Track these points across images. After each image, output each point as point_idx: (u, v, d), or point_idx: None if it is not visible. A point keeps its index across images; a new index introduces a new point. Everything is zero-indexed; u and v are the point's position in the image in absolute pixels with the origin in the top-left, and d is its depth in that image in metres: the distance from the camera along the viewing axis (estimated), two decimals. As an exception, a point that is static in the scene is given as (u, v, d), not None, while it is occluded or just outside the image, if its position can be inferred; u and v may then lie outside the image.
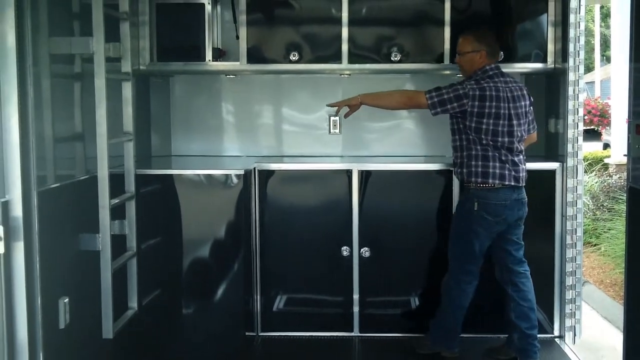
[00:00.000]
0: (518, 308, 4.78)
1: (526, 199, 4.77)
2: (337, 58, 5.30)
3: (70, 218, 3.87)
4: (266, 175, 5.19)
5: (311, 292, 5.31)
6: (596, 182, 10.96)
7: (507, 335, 4.91)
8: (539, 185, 5.17)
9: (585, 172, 11.12)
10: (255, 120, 5.90)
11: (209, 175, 4.97)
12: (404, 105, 5.02)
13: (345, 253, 5.18)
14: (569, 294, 5.18)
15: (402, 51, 5.24)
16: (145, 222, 4.62)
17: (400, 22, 5.36)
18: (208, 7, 5.29)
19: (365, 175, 5.18)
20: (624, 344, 3.90)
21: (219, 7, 5.55)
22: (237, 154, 5.86)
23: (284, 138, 5.85)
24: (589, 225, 9.29)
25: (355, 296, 5.23)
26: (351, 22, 5.27)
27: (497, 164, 4.65)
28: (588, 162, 12.86)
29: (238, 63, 5.34)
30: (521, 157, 4.76)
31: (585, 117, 16.60)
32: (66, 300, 3.70)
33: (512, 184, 4.66)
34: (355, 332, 5.27)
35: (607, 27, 26.13)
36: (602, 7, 24.79)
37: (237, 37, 5.34)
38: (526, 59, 5.34)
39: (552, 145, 5.40)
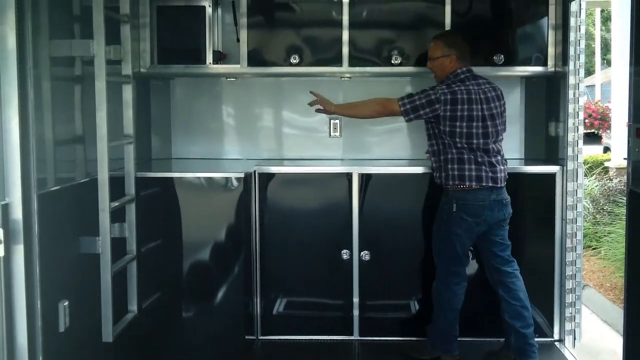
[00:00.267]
0: (510, 308, 4.79)
1: (508, 200, 4.78)
2: (337, 61, 5.31)
3: (70, 221, 3.86)
4: (266, 178, 5.19)
5: (311, 296, 5.31)
6: (596, 186, 10.95)
7: (504, 339, 4.92)
8: (539, 188, 5.18)
9: (586, 175, 11.13)
10: (256, 123, 5.90)
11: (209, 178, 4.97)
12: (378, 114, 5.02)
13: (345, 256, 5.18)
14: (569, 298, 5.18)
15: (402, 54, 5.25)
16: (146, 225, 4.61)
17: (401, 25, 5.36)
18: (209, 10, 5.30)
19: (365, 179, 5.18)
20: (624, 347, 3.90)
21: (219, 10, 5.55)
22: (237, 157, 5.87)
23: (284, 141, 5.85)
24: (589, 228, 9.29)
25: (355, 300, 5.22)
26: (352, 25, 5.28)
27: (473, 166, 4.67)
28: (588, 165, 12.86)
29: (238, 66, 5.34)
30: (499, 157, 4.78)
31: (586, 121, 16.60)
32: (66, 303, 3.69)
33: (490, 184, 4.68)
34: (355, 336, 5.27)
35: (608, 30, 26.14)
36: (602, 11, 24.79)
37: (238, 40, 5.35)
38: (526, 62, 5.34)
39: (552, 149, 5.40)
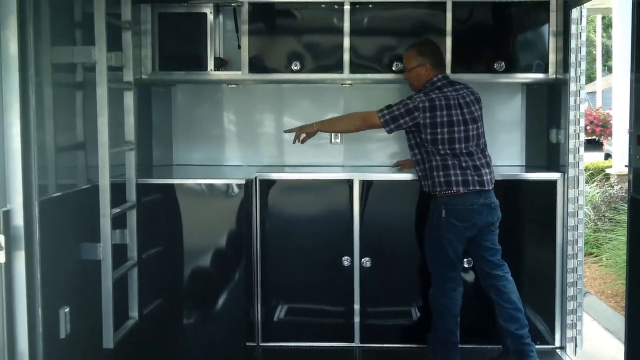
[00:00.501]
0: (503, 311, 4.81)
1: (497, 203, 4.81)
2: (338, 68, 5.32)
3: (71, 227, 3.86)
4: (267, 184, 5.19)
5: (312, 302, 5.30)
6: (597, 193, 10.94)
7: (502, 344, 4.93)
8: (540, 195, 5.18)
9: (587, 182, 11.12)
10: (257, 129, 5.90)
11: (210, 185, 4.97)
12: (359, 127, 5.08)
13: (346, 263, 5.18)
14: (570, 305, 5.17)
15: (403, 61, 5.24)
16: (146, 231, 4.61)
17: (402, 32, 5.37)
18: (210, 17, 5.31)
19: (366, 185, 5.18)
20: (625, 355, 3.90)
21: (221, 17, 5.56)
22: (238, 164, 5.87)
23: (285, 148, 5.85)
24: (590, 235, 9.28)
25: (356, 306, 5.22)
26: (353, 32, 5.29)
27: (459, 171, 4.71)
28: (589, 172, 12.86)
29: (240, 72, 5.35)
30: (484, 160, 4.82)
31: (588, 128, 16.63)
32: (67, 309, 3.69)
33: (477, 188, 4.71)
34: (356, 343, 5.26)
35: (609, 37, 26.16)
36: (603, 18, 24.84)
37: (239, 47, 5.36)
38: (527, 69, 5.35)
39: (553, 156, 5.40)
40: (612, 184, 12.02)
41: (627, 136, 3.93)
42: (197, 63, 5.34)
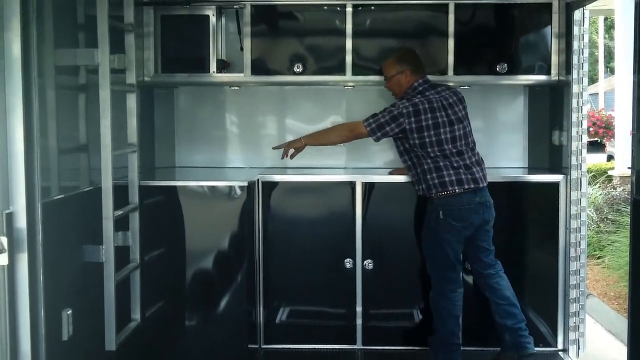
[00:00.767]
0: (499, 308, 4.84)
1: (491, 202, 4.83)
2: (341, 70, 5.32)
3: (74, 229, 3.87)
4: (270, 186, 5.20)
5: (314, 304, 5.30)
6: (600, 194, 10.93)
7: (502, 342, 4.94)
8: (543, 197, 5.18)
9: (589, 184, 11.10)
10: (259, 131, 5.91)
11: (213, 187, 4.97)
12: (347, 138, 5.13)
13: (348, 265, 5.17)
14: (573, 307, 5.17)
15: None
16: (149, 233, 4.61)
17: (404, 34, 5.38)
18: (212, 19, 5.31)
19: (368, 187, 5.18)
20: (628, 357, 3.89)
21: (223, 19, 5.56)
22: (240, 166, 5.87)
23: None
24: (592, 237, 9.27)
25: (359, 309, 5.22)
26: (355, 34, 5.29)
27: (451, 172, 4.73)
28: (592, 174, 12.84)
29: (242, 75, 5.36)
30: (474, 159, 4.85)
31: (590, 129, 16.61)
32: (69, 311, 3.69)
33: (472, 186, 4.73)
34: (358, 345, 5.26)
35: (611, 38, 26.14)
36: (606, 19, 24.80)
37: (242, 49, 5.37)
38: (530, 71, 5.35)
39: (556, 158, 5.40)
40: (615, 186, 12.02)
41: (629, 138, 3.92)
42: (200, 65, 5.35)
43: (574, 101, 5.05)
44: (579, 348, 5.21)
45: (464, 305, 4.91)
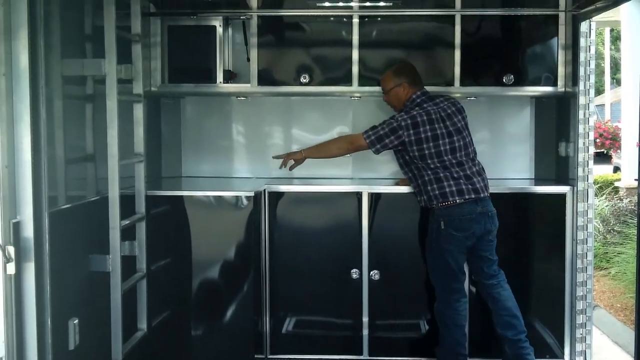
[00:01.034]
0: (500, 319, 4.84)
1: (494, 212, 4.83)
2: (347, 80, 5.33)
3: (81, 239, 3.88)
4: (276, 197, 5.20)
5: (320, 315, 5.29)
6: (607, 206, 10.90)
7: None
8: (550, 209, 5.17)
9: (596, 195, 11.08)
10: (266, 141, 5.91)
11: (219, 197, 4.97)
12: (347, 151, 5.16)
13: (354, 275, 5.17)
14: (580, 319, 5.15)
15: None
16: (155, 243, 4.62)
17: (411, 45, 5.39)
18: (219, 30, 5.33)
19: (375, 198, 5.18)
20: (635, 369, 3.88)
21: (230, 30, 5.58)
22: (247, 176, 5.88)
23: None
24: (599, 249, 9.24)
25: (365, 319, 5.21)
26: (361, 45, 5.30)
27: (452, 182, 4.75)
28: (598, 185, 12.81)
29: (249, 85, 5.37)
30: (474, 169, 4.85)
31: (597, 141, 16.58)
32: (76, 321, 3.70)
33: (473, 196, 4.74)
34: (365, 356, 5.24)
35: (617, 50, 26.14)
36: (612, 30, 24.80)
37: (248, 60, 5.38)
38: (536, 82, 5.34)
39: (562, 169, 5.39)
40: (621, 197, 11.98)
41: (636, 149, 3.92)
42: (207, 75, 5.36)
43: (581, 112, 5.05)
44: (585, 359, 5.19)
45: (470, 316, 4.91)
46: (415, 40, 5.40)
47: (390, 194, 5.23)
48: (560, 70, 5.26)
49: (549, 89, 5.32)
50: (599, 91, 26.36)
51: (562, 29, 5.24)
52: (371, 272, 5.16)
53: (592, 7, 4.90)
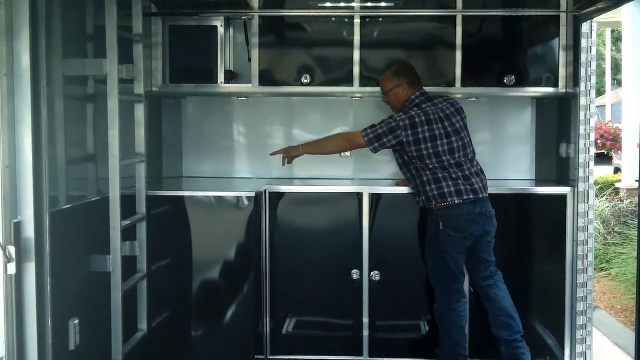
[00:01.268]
0: (495, 319, 4.85)
1: (492, 212, 4.84)
2: (348, 81, 5.33)
3: (81, 239, 3.88)
4: (277, 197, 5.20)
5: (321, 315, 5.29)
6: (607, 207, 10.90)
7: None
8: (550, 210, 5.16)
9: (596, 196, 11.08)
10: (266, 142, 5.91)
11: (220, 197, 4.97)
12: (345, 148, 5.22)
13: (355, 276, 5.17)
14: (580, 320, 5.15)
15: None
16: (156, 243, 4.61)
17: (412, 46, 5.39)
18: (220, 30, 5.33)
19: (375, 198, 5.18)
20: (635, 370, 3.88)
21: (231, 30, 5.58)
22: (247, 176, 5.87)
23: (294, 160, 5.84)
24: (599, 249, 9.24)
25: (365, 320, 5.20)
26: (363, 45, 5.30)
27: (450, 182, 4.76)
28: (599, 186, 12.80)
29: (250, 85, 5.37)
30: (473, 169, 4.86)
31: (598, 141, 16.58)
32: (76, 321, 3.70)
33: (472, 197, 4.75)
34: (365, 356, 5.24)
35: (618, 50, 26.14)
36: (613, 31, 24.81)
37: (249, 60, 5.38)
38: (537, 83, 5.34)
39: (563, 170, 5.39)
40: (622, 198, 11.98)
41: (637, 150, 3.92)
42: (208, 75, 5.36)
43: (581, 113, 5.05)
44: (585, 361, 5.20)
45: (470, 317, 4.91)
46: (417, 41, 5.40)
47: (390, 195, 5.23)
48: (561, 71, 5.26)
49: (549, 89, 5.32)
50: (600, 92, 26.36)
51: (563, 30, 5.24)
52: (371, 273, 5.16)
53: (593, 7, 4.90)
